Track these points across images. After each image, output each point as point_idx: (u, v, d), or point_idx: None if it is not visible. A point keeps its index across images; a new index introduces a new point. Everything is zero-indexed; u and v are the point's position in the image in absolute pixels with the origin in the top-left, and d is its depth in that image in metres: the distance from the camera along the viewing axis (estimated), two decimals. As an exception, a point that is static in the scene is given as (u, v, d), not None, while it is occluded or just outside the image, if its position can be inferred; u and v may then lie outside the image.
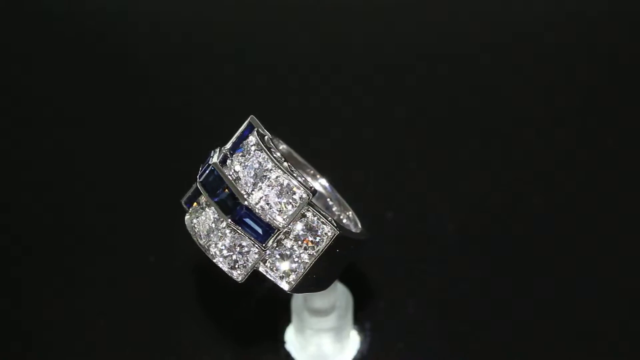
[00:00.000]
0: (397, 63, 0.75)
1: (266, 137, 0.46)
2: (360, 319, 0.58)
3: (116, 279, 0.61)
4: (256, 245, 0.44)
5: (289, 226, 0.44)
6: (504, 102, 0.72)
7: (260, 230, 0.44)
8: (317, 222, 0.44)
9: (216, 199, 0.44)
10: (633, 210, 0.64)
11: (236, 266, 0.45)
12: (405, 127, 0.71)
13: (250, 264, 0.44)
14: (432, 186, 0.66)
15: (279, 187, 0.44)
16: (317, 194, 0.54)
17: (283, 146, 0.53)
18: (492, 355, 0.57)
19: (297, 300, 0.55)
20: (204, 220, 0.45)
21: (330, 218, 0.45)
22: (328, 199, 0.54)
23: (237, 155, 0.45)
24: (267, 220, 0.43)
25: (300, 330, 0.56)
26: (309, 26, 0.79)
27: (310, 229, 0.44)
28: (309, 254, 0.44)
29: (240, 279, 0.45)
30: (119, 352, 0.58)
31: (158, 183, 0.66)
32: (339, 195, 0.54)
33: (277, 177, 0.44)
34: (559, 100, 0.72)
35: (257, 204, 0.44)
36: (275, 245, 0.44)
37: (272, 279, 0.45)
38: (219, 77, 0.75)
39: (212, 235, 0.45)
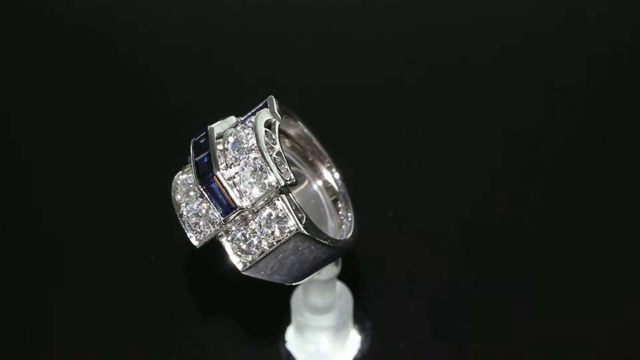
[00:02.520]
0: (398, 62, 0.75)
1: (273, 120, 0.46)
2: (360, 319, 0.58)
3: (116, 279, 0.61)
4: (218, 217, 0.44)
5: (258, 208, 0.44)
6: (504, 102, 0.72)
7: (224, 203, 0.44)
8: (285, 214, 0.44)
9: (196, 161, 0.44)
10: (633, 210, 0.64)
11: (196, 231, 0.45)
12: (406, 126, 0.71)
13: (208, 232, 0.44)
14: (432, 186, 0.66)
15: (253, 168, 0.44)
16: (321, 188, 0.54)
17: (305, 131, 0.52)
18: (492, 355, 0.57)
19: (297, 297, 0.55)
20: (187, 179, 0.45)
21: (301, 215, 0.44)
22: (336, 196, 0.54)
23: (237, 129, 0.45)
24: (232, 196, 0.44)
25: (300, 328, 0.56)
26: (309, 26, 0.79)
27: (276, 218, 0.44)
28: (269, 243, 0.44)
29: (197, 244, 0.45)
30: (119, 352, 0.58)
31: (159, 182, 0.66)
32: (347, 194, 0.53)
33: (255, 158, 0.44)
34: (559, 99, 0.72)
35: (229, 178, 0.44)
36: (238, 222, 0.44)
37: (229, 254, 0.45)
38: (220, 76, 0.75)
39: (186, 196, 0.45)
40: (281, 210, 0.44)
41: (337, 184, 0.54)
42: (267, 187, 0.43)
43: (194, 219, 0.45)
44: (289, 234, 0.44)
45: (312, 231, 0.45)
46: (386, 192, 0.66)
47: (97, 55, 0.76)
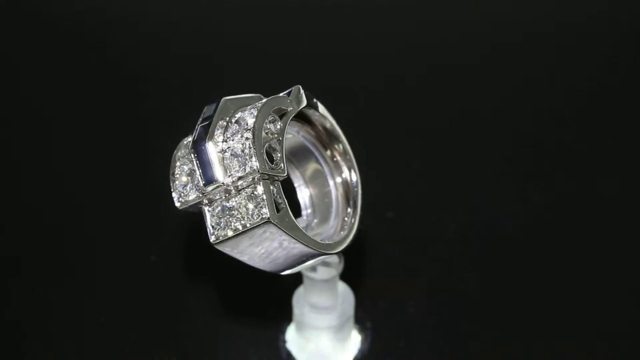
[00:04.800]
0: (398, 62, 0.75)
1: (289, 109, 0.46)
2: (361, 319, 0.58)
3: (116, 279, 0.61)
4: (202, 185, 0.45)
5: (242, 187, 0.44)
6: (504, 103, 0.72)
7: (207, 174, 0.44)
8: (262, 199, 0.44)
9: (198, 126, 0.45)
10: (633, 210, 0.64)
11: (181, 193, 0.45)
12: (406, 126, 0.71)
13: (192, 198, 0.45)
14: (432, 186, 0.67)
15: (241, 147, 0.44)
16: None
17: (335, 126, 0.52)
18: (492, 355, 0.57)
19: (299, 293, 0.55)
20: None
21: (283, 205, 0.45)
22: (348, 198, 0.53)
23: (248, 107, 0.45)
24: (217, 169, 0.44)
25: (301, 328, 0.56)
26: (309, 26, 0.79)
27: (254, 202, 0.44)
28: (242, 224, 0.44)
29: (178, 205, 0.45)
30: (120, 352, 0.58)
31: (158, 182, 0.66)
32: (358, 201, 0.53)
33: (247, 138, 0.44)
34: (559, 99, 0.72)
35: (221, 151, 0.44)
36: (220, 195, 0.45)
37: (207, 224, 0.45)
38: (220, 75, 0.75)
39: (185, 157, 0.46)
40: (259, 195, 0.44)
41: (352, 185, 0.53)
42: (248, 170, 0.44)
43: (183, 181, 0.45)
44: (260, 221, 0.44)
45: (286, 224, 0.45)
46: (386, 192, 0.66)
47: (97, 55, 0.76)
